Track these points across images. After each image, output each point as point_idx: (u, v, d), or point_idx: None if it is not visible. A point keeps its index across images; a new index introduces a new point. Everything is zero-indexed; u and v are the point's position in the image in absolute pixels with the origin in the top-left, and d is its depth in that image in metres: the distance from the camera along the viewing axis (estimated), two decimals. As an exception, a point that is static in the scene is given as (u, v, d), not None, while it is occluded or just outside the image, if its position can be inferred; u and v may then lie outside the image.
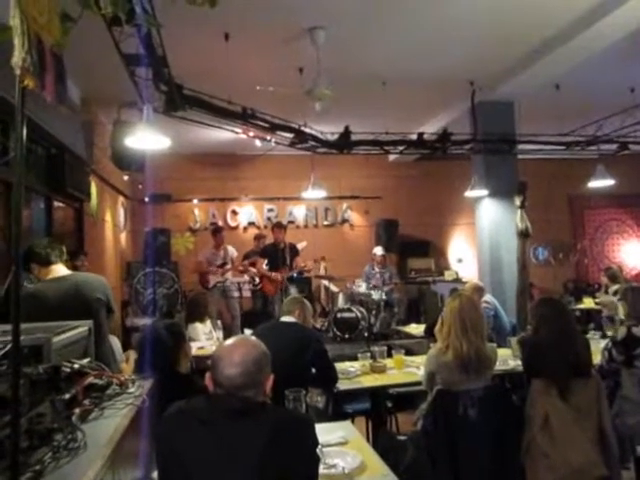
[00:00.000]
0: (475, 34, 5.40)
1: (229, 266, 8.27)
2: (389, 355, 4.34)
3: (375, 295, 8.11)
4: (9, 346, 1.33)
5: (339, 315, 7.73)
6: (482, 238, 7.56)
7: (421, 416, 3.12)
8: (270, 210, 10.34)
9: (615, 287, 6.48)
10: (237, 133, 5.85)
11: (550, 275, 10.63)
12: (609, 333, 4.64)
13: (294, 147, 6.37)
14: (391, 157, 9.83)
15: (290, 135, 6.06)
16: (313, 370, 3.47)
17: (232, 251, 8.45)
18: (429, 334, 4.73)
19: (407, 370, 4.05)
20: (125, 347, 4.87)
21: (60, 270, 3.29)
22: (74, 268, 5.28)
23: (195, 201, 9.99)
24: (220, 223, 9.85)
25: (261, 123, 5.62)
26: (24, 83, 1.13)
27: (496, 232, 7.26)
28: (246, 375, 1.70)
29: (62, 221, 6.18)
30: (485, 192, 7.20)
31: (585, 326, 6.52)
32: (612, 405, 3.38)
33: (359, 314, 7.63)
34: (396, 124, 6.75)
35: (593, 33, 5.12)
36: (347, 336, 7.53)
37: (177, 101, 4.83)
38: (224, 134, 6.11)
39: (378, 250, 8.62)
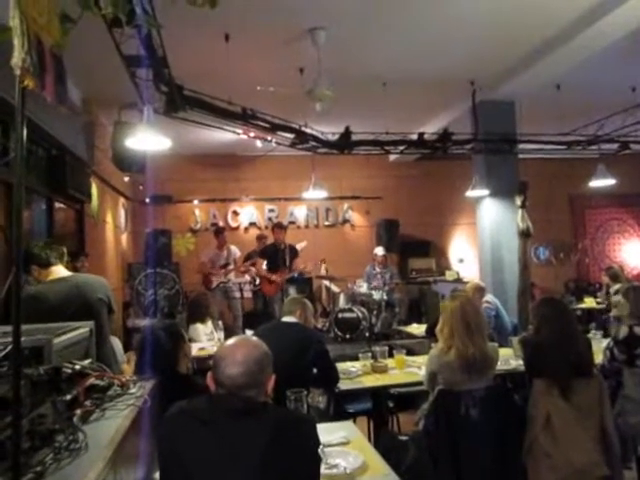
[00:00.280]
0: (476, 34, 5.40)
1: (232, 266, 8.27)
2: (390, 355, 4.34)
3: (376, 295, 8.11)
4: (10, 347, 1.33)
5: (340, 315, 7.73)
6: (483, 238, 7.56)
7: (423, 416, 3.12)
8: (271, 210, 10.35)
9: (616, 286, 6.48)
10: (238, 134, 5.85)
11: (551, 275, 10.62)
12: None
13: (295, 147, 6.36)
14: (392, 157, 9.83)
15: (291, 135, 6.06)
16: (314, 370, 3.47)
17: (235, 251, 8.46)
18: (430, 334, 4.72)
19: (408, 370, 4.04)
20: (126, 348, 4.89)
21: (60, 271, 3.29)
22: (74, 269, 5.29)
23: (196, 202, 10.00)
24: (221, 224, 9.85)
25: (262, 123, 5.62)
26: (24, 83, 1.13)
27: (497, 232, 7.26)
28: (248, 375, 1.70)
29: (63, 222, 6.18)
30: (486, 192, 7.20)
31: (586, 326, 6.51)
32: (614, 405, 3.37)
33: (360, 314, 7.63)
34: (397, 124, 6.74)
35: (594, 32, 5.11)
36: (348, 336, 7.52)
37: (177, 102, 4.83)
38: (225, 135, 6.11)
39: (379, 250, 8.63)
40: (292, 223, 10.27)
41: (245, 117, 5.43)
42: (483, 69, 6.35)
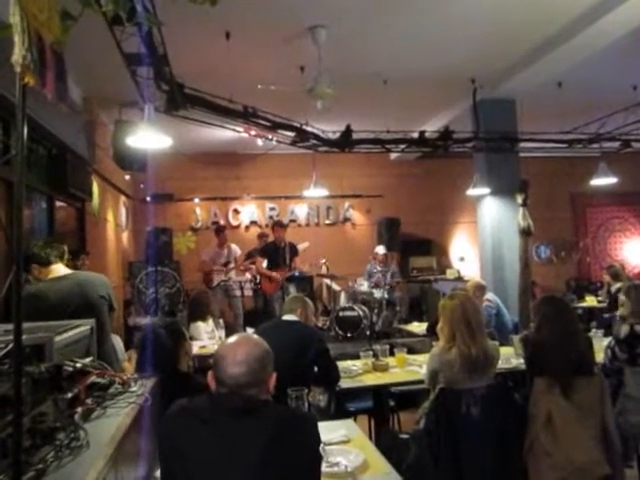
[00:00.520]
0: (477, 32, 5.39)
1: (232, 265, 8.27)
2: (391, 353, 4.33)
3: (377, 294, 8.11)
4: (11, 345, 1.33)
5: (341, 314, 7.74)
6: (484, 236, 7.55)
7: (424, 414, 3.12)
8: (272, 209, 10.35)
9: (618, 285, 6.46)
10: (238, 132, 5.85)
11: (552, 273, 10.61)
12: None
13: (295, 146, 6.36)
14: (393, 155, 9.82)
15: (291, 134, 6.06)
16: (315, 369, 3.47)
17: (235, 249, 8.46)
18: (431, 332, 4.71)
19: (409, 369, 4.04)
20: (127, 346, 4.88)
21: (60, 270, 3.29)
22: (75, 268, 5.28)
23: (197, 200, 10.00)
24: (222, 222, 9.86)
25: (262, 122, 5.62)
26: (25, 80, 1.13)
27: (498, 230, 7.25)
28: (250, 373, 1.70)
29: (64, 221, 6.18)
30: (487, 190, 7.19)
31: (587, 324, 6.50)
32: (615, 403, 3.37)
33: (361, 313, 7.63)
34: (397, 122, 6.74)
35: (595, 30, 5.11)
36: (349, 335, 7.53)
37: (178, 100, 4.83)
38: (225, 133, 6.11)
39: (380, 249, 8.63)
40: (293, 221, 10.27)
41: (246, 115, 5.42)
42: (484, 67, 6.34)
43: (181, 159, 8.92)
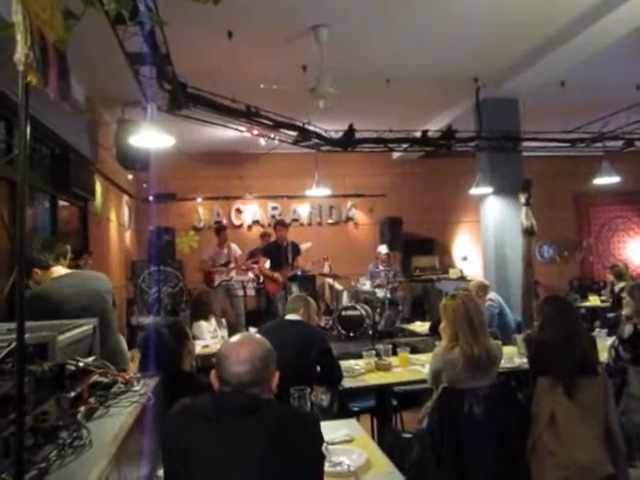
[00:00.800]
0: (479, 31, 5.38)
1: (233, 265, 8.27)
2: (394, 353, 4.33)
3: (380, 293, 8.11)
4: (14, 344, 1.33)
5: (344, 313, 7.74)
6: (487, 236, 7.54)
7: (426, 414, 3.11)
8: (274, 208, 10.35)
9: (621, 284, 6.45)
10: (241, 131, 5.85)
11: (555, 273, 10.60)
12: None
13: (298, 145, 6.36)
14: (395, 155, 9.81)
15: (294, 133, 6.06)
16: (318, 368, 3.47)
17: (235, 249, 8.45)
18: (434, 332, 4.70)
19: (412, 368, 4.04)
20: (130, 345, 4.88)
21: (61, 271, 3.28)
22: (78, 267, 5.30)
23: (199, 200, 10.00)
24: (224, 222, 9.87)
25: (265, 121, 5.62)
26: (27, 79, 1.13)
27: (501, 230, 7.24)
28: (253, 372, 1.70)
29: (67, 220, 6.19)
30: (490, 190, 7.18)
31: (591, 324, 6.49)
32: (619, 403, 3.36)
33: (364, 312, 7.63)
34: (400, 122, 6.73)
35: (598, 29, 5.09)
36: (352, 334, 7.52)
37: (181, 100, 4.83)
38: (228, 132, 6.11)
39: (382, 248, 8.62)
40: (295, 221, 10.27)
41: (248, 115, 5.42)
42: (487, 66, 6.33)
43: (183, 158, 8.93)
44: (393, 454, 2.41)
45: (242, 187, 10.10)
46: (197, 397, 1.77)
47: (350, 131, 6.31)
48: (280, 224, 7.90)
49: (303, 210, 10.46)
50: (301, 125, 5.99)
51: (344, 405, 3.91)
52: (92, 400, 1.74)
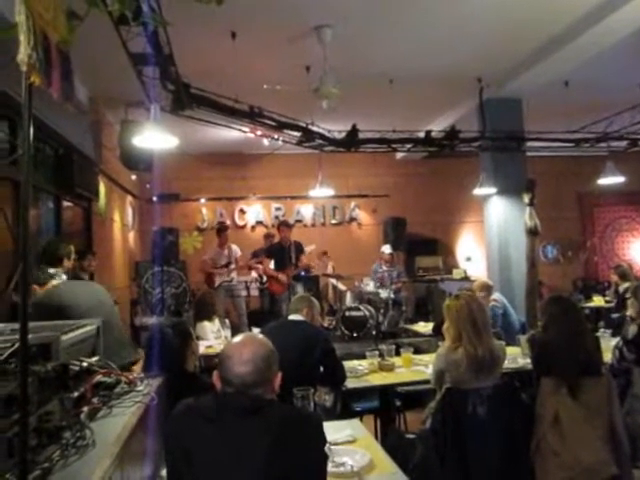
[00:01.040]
0: (482, 31, 5.37)
1: (233, 266, 8.22)
2: (397, 353, 4.33)
3: (383, 293, 8.10)
4: (17, 344, 1.33)
5: (347, 314, 7.73)
6: (491, 236, 7.53)
7: (430, 414, 3.11)
8: (278, 209, 10.35)
9: (625, 285, 6.43)
10: (244, 132, 5.85)
11: (559, 273, 10.57)
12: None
13: (301, 146, 6.36)
14: (399, 155, 9.81)
15: (297, 133, 6.06)
16: (321, 369, 3.47)
17: (236, 250, 8.40)
18: (437, 332, 4.70)
19: (415, 368, 4.03)
20: (134, 345, 4.89)
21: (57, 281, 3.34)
22: (82, 268, 5.32)
23: (203, 200, 10.02)
24: (228, 222, 9.87)
25: (268, 122, 5.62)
26: (30, 80, 1.13)
27: (505, 230, 7.23)
28: (256, 373, 1.70)
29: (71, 221, 6.21)
30: (493, 190, 7.17)
31: (595, 324, 6.47)
32: (623, 404, 3.35)
33: (367, 313, 7.62)
34: (403, 122, 6.73)
35: (602, 29, 5.08)
36: (355, 335, 7.52)
37: (184, 100, 4.84)
38: (231, 133, 6.11)
39: (386, 249, 8.60)
40: (299, 222, 10.28)
41: (252, 115, 5.43)
42: (490, 66, 6.32)
43: (187, 159, 8.94)
44: (396, 455, 2.41)
45: (245, 188, 10.11)
46: (200, 397, 1.77)
47: (353, 131, 6.31)
48: (283, 225, 7.90)
49: (306, 211, 10.47)
50: (304, 125, 5.99)
51: (347, 405, 3.91)
52: (95, 400, 1.75)
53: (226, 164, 9.74)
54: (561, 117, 6.79)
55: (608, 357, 3.58)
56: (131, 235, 9.17)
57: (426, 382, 3.48)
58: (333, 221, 10.59)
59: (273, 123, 5.67)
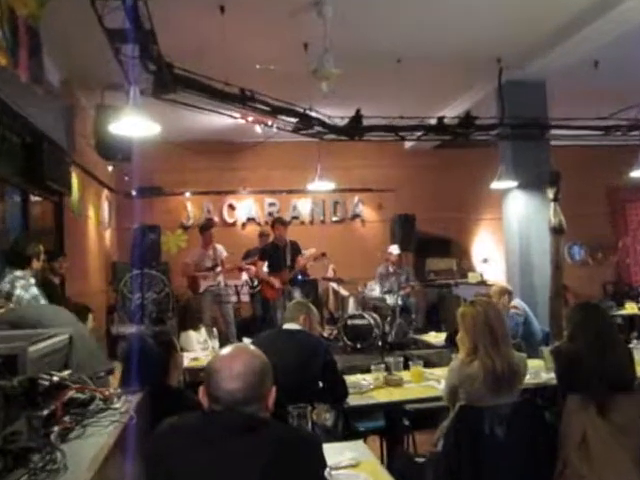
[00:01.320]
0: (503, 4, 5.37)
1: (219, 269, 8.18)
2: (406, 367, 4.34)
3: (390, 300, 8.12)
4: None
5: (350, 322, 7.74)
6: (510, 235, 7.54)
7: (442, 435, 3.11)
8: (272, 204, 10.36)
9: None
10: (235, 118, 5.87)
11: (587, 277, 10.57)
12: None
13: (298, 133, 6.37)
14: (407, 144, 9.82)
15: (294, 120, 6.06)
16: (320, 384, 3.47)
17: (221, 251, 8.35)
18: (450, 343, 4.71)
19: (426, 384, 4.04)
20: (110, 357, 4.89)
21: None
22: (51, 270, 5.32)
23: (188, 194, 10.03)
24: (216, 219, 9.87)
25: (261, 106, 5.62)
26: (-5, 60, 1.13)
27: (526, 228, 7.24)
28: (247, 389, 1.70)
29: (40, 217, 6.21)
30: (514, 183, 7.18)
31: (628, 334, 6.48)
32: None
33: (372, 321, 7.63)
34: (413, 107, 6.73)
35: (635, 2, 5.08)
36: (359, 346, 7.52)
37: (167, 82, 4.84)
38: (220, 119, 6.12)
39: (393, 249, 8.61)
40: (295, 218, 10.29)
41: (243, 99, 5.43)
42: (510, 45, 6.32)
43: (170, 148, 8.95)
44: (404, 480, 2.41)
45: (236, 180, 10.11)
46: (185, 416, 1.77)
47: (357, 117, 6.31)
48: (278, 222, 7.89)
49: (304, 206, 10.47)
50: (302, 111, 5.99)
51: (349, 425, 3.91)
52: (67, 419, 1.75)
53: (214, 154, 9.74)
54: (590, 102, 6.79)
55: (642, 371, 3.58)
56: (108, 233, 9.17)
57: (438, 399, 3.49)
58: (334, 218, 10.60)
59: (267, 108, 5.67)
